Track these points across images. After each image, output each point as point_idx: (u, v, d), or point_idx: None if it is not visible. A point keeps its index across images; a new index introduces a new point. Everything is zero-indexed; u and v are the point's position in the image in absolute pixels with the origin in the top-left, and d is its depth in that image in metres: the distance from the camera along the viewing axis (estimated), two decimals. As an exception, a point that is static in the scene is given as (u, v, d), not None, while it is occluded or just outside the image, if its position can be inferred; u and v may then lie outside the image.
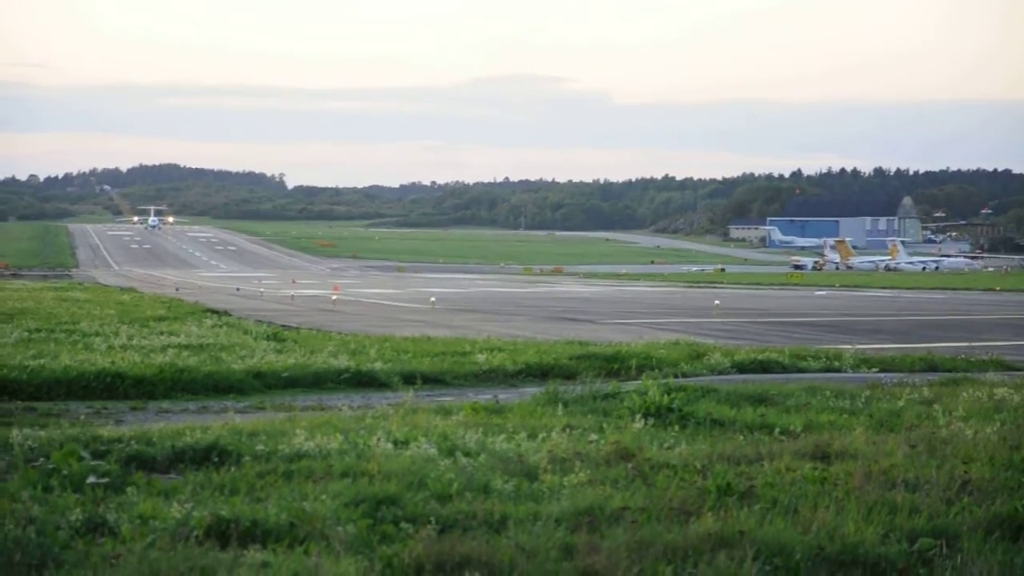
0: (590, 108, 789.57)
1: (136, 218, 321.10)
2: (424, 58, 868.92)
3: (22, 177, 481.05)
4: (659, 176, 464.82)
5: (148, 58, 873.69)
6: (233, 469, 16.70)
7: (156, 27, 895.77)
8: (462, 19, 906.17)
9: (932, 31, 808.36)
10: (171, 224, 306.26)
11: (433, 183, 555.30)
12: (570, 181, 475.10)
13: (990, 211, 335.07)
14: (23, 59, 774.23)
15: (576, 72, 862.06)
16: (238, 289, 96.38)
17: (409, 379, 31.35)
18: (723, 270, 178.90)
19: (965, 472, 16.50)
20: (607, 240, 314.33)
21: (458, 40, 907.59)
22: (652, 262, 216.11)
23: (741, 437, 20.07)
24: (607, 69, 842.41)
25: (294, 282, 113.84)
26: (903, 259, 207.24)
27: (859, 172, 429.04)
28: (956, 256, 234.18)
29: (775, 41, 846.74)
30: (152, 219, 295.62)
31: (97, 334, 40.74)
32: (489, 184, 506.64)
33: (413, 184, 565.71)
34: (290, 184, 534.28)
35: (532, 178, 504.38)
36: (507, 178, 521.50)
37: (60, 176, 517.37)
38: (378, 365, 32.75)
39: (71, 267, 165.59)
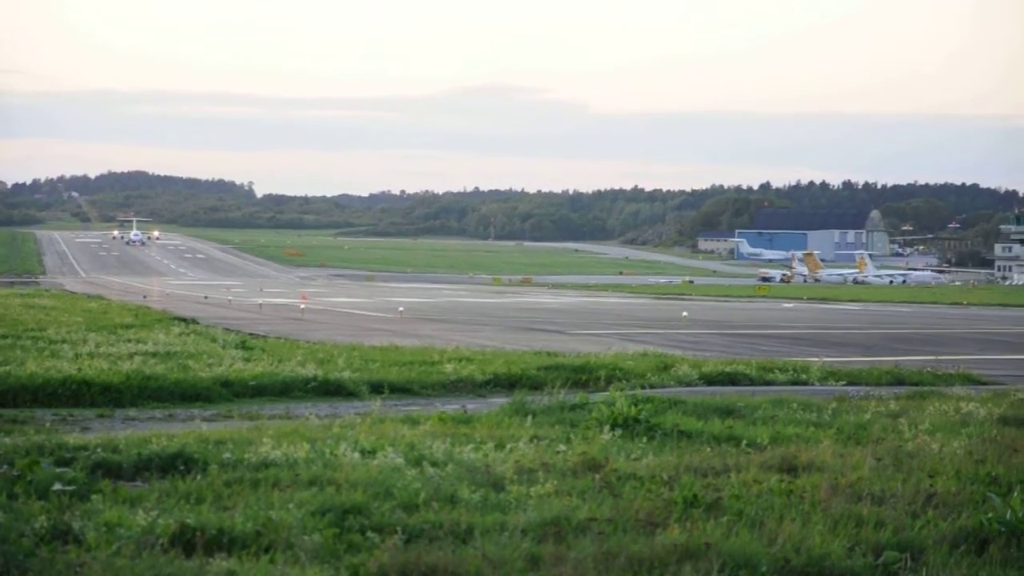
0: (566, 119, 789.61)
1: (116, 232, 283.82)
2: (399, 69, 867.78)
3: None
4: (628, 187, 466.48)
5: (119, 66, 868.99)
6: (199, 477, 16.65)
7: (129, 36, 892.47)
8: (440, 29, 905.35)
9: (899, 46, 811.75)
10: (156, 239, 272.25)
11: (403, 192, 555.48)
12: (540, 191, 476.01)
13: (957, 225, 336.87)
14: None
15: (555, 83, 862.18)
16: (206, 297, 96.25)
17: (377, 388, 31.28)
18: (691, 282, 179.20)
19: (931, 486, 16.56)
20: (576, 251, 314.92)
21: (435, 50, 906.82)
22: (621, 273, 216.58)
23: (708, 449, 20.09)
24: (586, 80, 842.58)
25: (262, 290, 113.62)
26: (871, 272, 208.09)
27: (828, 185, 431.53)
28: (923, 270, 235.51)
29: (746, 56, 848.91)
30: (135, 232, 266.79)
31: (64, 341, 40.59)
32: (459, 194, 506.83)
33: (383, 193, 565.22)
34: (259, 192, 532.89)
35: (502, 188, 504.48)
36: (477, 188, 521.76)
37: (28, 183, 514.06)
38: (346, 374, 32.71)
39: (38, 274, 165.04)
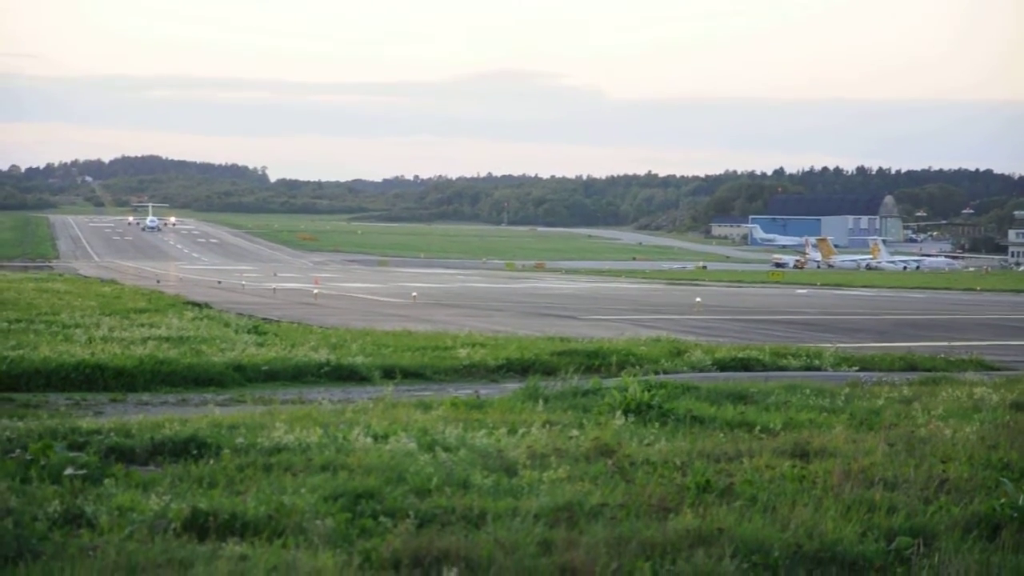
0: (580, 104, 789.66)
1: (131, 218, 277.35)
2: (413, 54, 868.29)
3: (3, 167, 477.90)
4: (642, 173, 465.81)
5: (135, 50, 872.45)
6: (212, 462, 16.66)
7: (143, 20, 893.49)
8: (455, 14, 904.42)
9: (911, 31, 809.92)
10: (173, 224, 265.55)
11: (416, 178, 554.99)
12: (553, 177, 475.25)
13: (971, 211, 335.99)
14: (13, 49, 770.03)
15: (569, 68, 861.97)
16: (219, 282, 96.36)
17: (389, 373, 31.31)
18: (705, 267, 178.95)
19: (943, 471, 16.55)
20: (589, 236, 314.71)
21: (450, 35, 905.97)
22: (634, 259, 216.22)
23: (721, 434, 20.09)
24: (600, 65, 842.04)
25: (275, 275, 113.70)
26: (884, 258, 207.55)
27: (841, 171, 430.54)
28: (937, 256, 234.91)
29: (760, 41, 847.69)
30: (150, 219, 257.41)
31: (77, 325, 40.63)
32: (472, 179, 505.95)
33: (396, 178, 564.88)
34: (273, 177, 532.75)
35: (516, 173, 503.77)
36: (491, 173, 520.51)
37: (42, 167, 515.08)
38: (359, 359, 32.73)
39: (52, 258, 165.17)
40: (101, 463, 16.37)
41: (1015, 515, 14.29)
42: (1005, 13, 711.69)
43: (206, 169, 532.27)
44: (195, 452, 17.49)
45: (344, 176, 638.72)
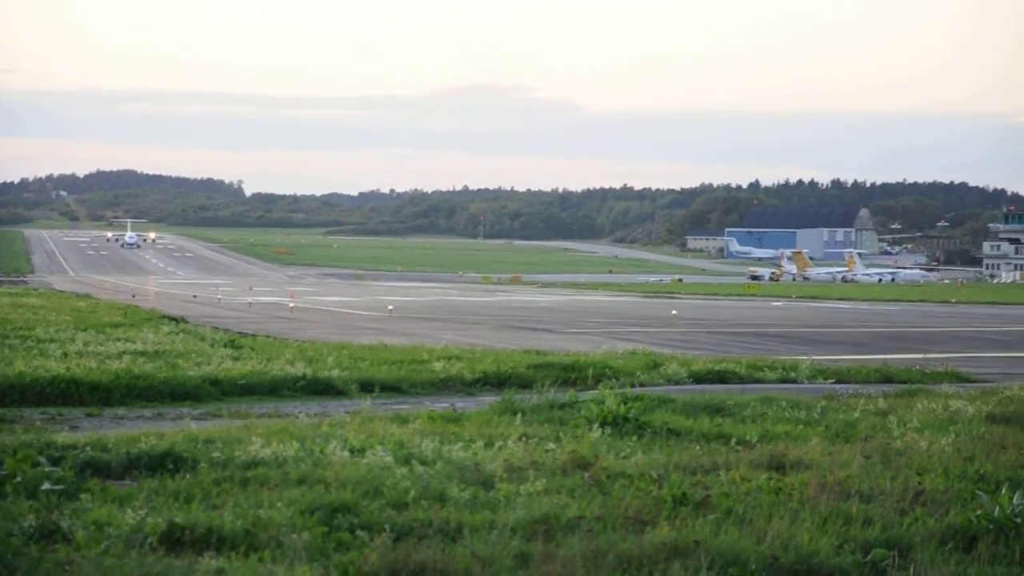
0: (556, 117, 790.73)
1: (110, 234, 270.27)
2: (389, 68, 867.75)
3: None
4: (618, 186, 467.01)
5: (108, 64, 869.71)
6: (188, 476, 16.64)
7: (118, 33, 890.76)
8: (431, 28, 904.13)
9: (888, 46, 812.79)
10: (152, 241, 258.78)
11: (392, 191, 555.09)
12: (529, 190, 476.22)
13: (946, 223, 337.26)
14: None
15: (545, 81, 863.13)
16: (195, 296, 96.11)
17: (366, 387, 31.25)
18: (680, 280, 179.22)
19: (919, 483, 16.60)
20: (565, 249, 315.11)
21: (426, 49, 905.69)
22: (610, 272, 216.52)
23: (697, 447, 20.11)
24: (576, 78, 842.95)
25: (251, 289, 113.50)
26: (859, 271, 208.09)
27: (817, 183, 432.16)
28: (912, 268, 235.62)
29: (736, 55, 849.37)
30: (129, 235, 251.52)
31: (52, 340, 40.44)
32: (448, 192, 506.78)
33: (372, 192, 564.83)
34: (248, 191, 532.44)
35: (491, 187, 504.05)
36: (467, 186, 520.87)
37: (16, 181, 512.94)
38: (335, 373, 32.68)
39: (26, 273, 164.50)
40: (77, 478, 16.31)
41: (991, 527, 14.33)
42: (984, 31, 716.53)
43: (181, 183, 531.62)
44: (171, 466, 17.44)
45: (320, 190, 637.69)
